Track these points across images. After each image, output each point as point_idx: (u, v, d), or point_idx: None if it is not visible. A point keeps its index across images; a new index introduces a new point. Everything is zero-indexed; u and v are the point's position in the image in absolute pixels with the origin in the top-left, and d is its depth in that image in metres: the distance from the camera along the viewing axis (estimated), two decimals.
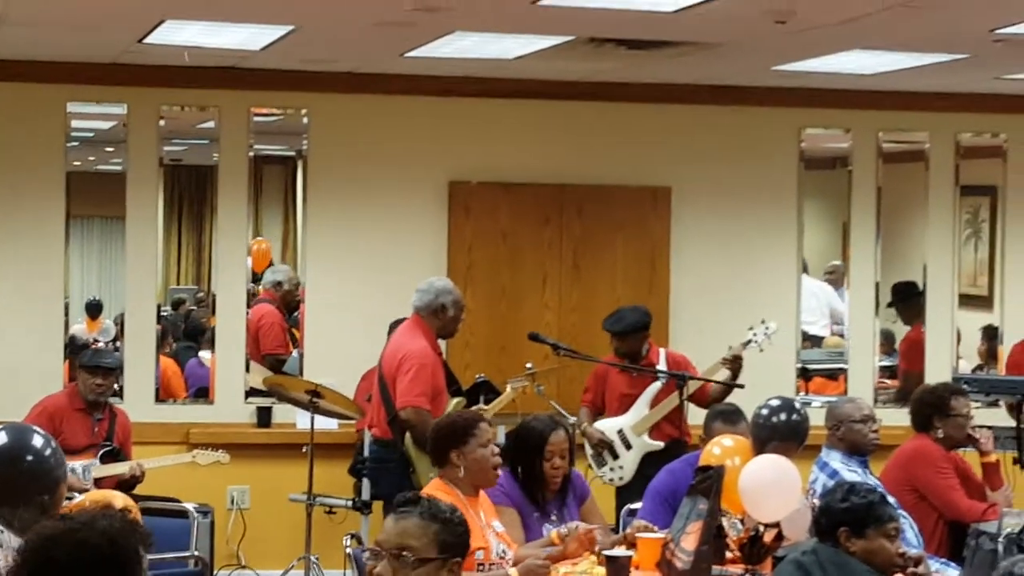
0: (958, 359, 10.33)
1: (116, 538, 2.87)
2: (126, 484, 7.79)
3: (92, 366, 8.12)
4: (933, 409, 7.26)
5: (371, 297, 9.51)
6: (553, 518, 6.31)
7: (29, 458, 4.30)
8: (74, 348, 9.25)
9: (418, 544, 3.77)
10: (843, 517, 5.27)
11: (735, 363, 8.45)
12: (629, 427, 8.54)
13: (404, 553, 3.76)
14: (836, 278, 10.39)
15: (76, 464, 7.68)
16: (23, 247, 9.29)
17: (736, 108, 9.99)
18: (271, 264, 10.03)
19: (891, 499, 6.61)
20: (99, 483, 7.70)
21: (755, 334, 8.61)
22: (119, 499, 4.37)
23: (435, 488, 5.88)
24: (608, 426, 8.60)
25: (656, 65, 8.81)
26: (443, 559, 3.80)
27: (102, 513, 2.91)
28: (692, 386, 8.31)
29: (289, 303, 9.83)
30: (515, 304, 9.68)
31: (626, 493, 8.30)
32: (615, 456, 8.56)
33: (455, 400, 8.01)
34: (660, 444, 8.46)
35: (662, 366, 8.49)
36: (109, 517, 2.90)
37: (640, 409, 8.53)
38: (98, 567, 2.79)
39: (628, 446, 8.53)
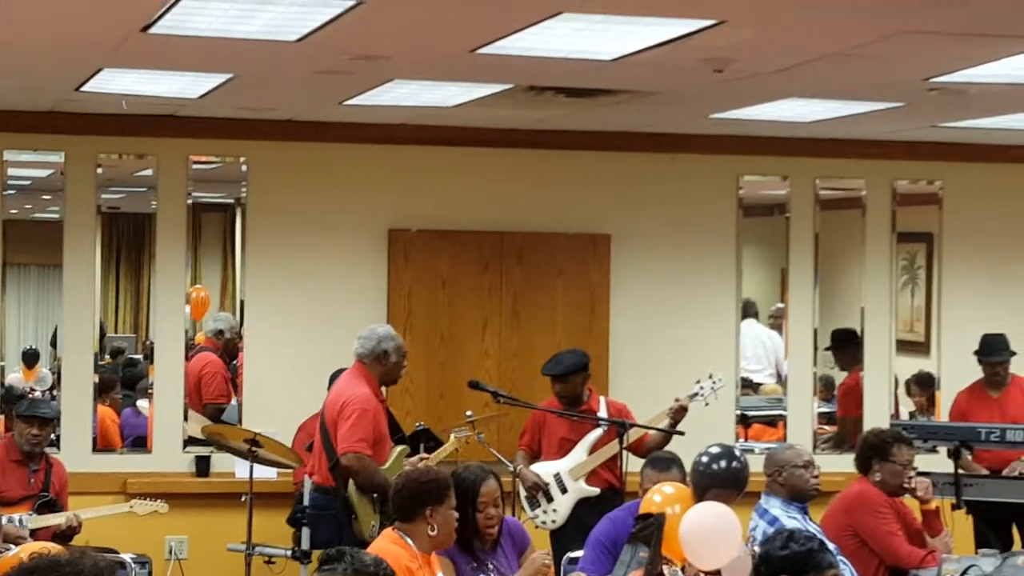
0: (898, 405, 10.40)
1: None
2: (63, 535, 7.71)
3: (29, 416, 8.04)
4: (874, 451, 7.28)
5: (310, 345, 9.48)
6: (489, 566, 6.28)
7: None
8: (10, 398, 9.16)
9: None
10: (783, 565, 5.27)
11: (679, 414, 8.44)
12: (566, 471, 8.52)
13: None
14: (781, 322, 10.44)
15: (12, 516, 7.59)
16: None
17: (675, 156, 10.04)
18: (208, 312, 9.98)
19: (831, 545, 6.64)
20: (35, 534, 7.61)
21: (702, 387, 8.60)
22: (55, 551, 4.32)
23: (387, 540, 5.83)
24: (544, 469, 8.58)
25: (595, 113, 8.85)
26: None
27: (85, 552, 2.85)
28: (633, 435, 8.31)
29: (231, 351, 9.78)
30: (455, 351, 9.67)
31: (562, 539, 8.29)
32: (549, 499, 8.54)
33: (398, 448, 7.97)
34: (596, 490, 8.46)
35: (602, 413, 8.50)
36: (94, 557, 2.84)
37: (579, 454, 8.53)
38: None
39: (564, 490, 8.52)
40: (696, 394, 8.57)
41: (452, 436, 8.37)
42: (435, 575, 5.85)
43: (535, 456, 8.71)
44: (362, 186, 9.69)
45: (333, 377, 8.50)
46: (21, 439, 7.98)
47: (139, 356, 10.51)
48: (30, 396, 9.11)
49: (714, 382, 8.64)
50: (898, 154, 10.26)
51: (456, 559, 6.19)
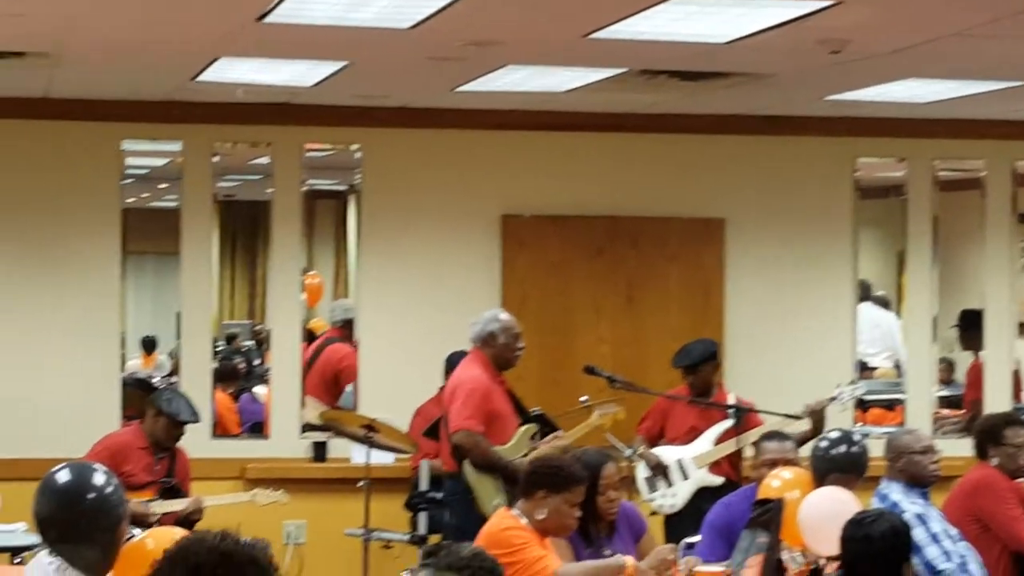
0: (1019, 387, 10.23)
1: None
2: (185, 521, 7.80)
3: (185, 422, 8.05)
4: (986, 437, 7.21)
5: (425, 331, 9.51)
6: (607, 553, 6.27)
7: (91, 496, 4.30)
8: (141, 386, 9.25)
9: None
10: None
11: (816, 415, 8.31)
12: (690, 458, 8.48)
13: None
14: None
15: (137, 501, 7.68)
16: (80, 283, 9.34)
17: (789, 138, 9.96)
18: (326, 300, 10.03)
19: (953, 530, 6.58)
20: (159, 520, 7.70)
21: (842, 392, 8.49)
22: (179, 535, 4.36)
23: (498, 516, 5.86)
24: (667, 454, 8.55)
25: (709, 96, 8.80)
26: None
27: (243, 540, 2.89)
28: (762, 431, 8.22)
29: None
30: (569, 337, 9.66)
31: (676, 525, 8.25)
32: (669, 484, 8.51)
33: (524, 428, 8.00)
34: (719, 479, 8.40)
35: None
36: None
37: (704, 443, 8.48)
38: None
39: (685, 476, 8.48)
40: (835, 398, 8.45)
41: (596, 413, 8.31)
42: (549, 552, 5.85)
43: (653, 443, 8.67)
44: (475, 172, 9.70)
45: (449, 359, 8.56)
46: (163, 435, 8.00)
47: (250, 342, 10.62)
48: (166, 388, 9.09)
49: (855, 387, 8.58)
50: (1019, 134, 10.07)
51: (574, 543, 6.20)
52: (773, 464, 6.61)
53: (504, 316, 8.12)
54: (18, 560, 7.33)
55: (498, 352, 8.03)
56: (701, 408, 8.49)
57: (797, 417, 8.26)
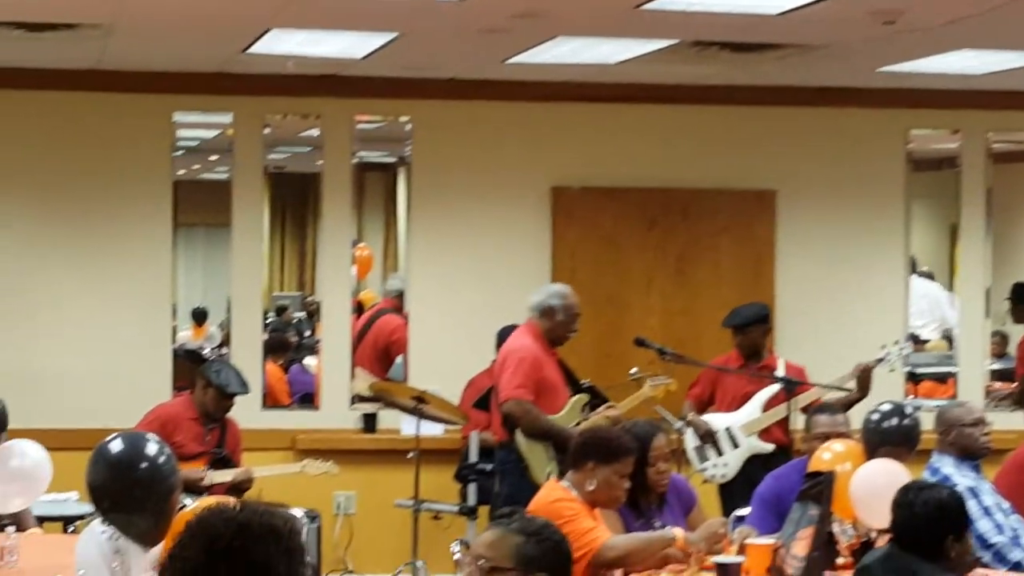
0: None
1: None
2: (235, 491, 7.84)
3: (234, 394, 8.10)
4: None
5: (475, 303, 9.52)
6: (656, 525, 6.26)
7: (144, 465, 4.34)
8: (192, 357, 9.29)
9: (495, 554, 3.81)
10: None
11: (863, 375, 8.29)
12: (739, 426, 8.46)
13: (481, 561, 3.81)
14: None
15: (190, 469, 7.73)
16: (131, 255, 9.39)
17: (842, 110, 9.90)
18: (375, 271, 10.05)
19: (1005, 504, 6.54)
20: (210, 490, 7.75)
21: (889, 353, 8.45)
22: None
23: (548, 487, 5.87)
24: (716, 421, 8.53)
25: (760, 68, 8.75)
26: (520, 571, 3.80)
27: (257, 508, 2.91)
28: (810, 396, 8.20)
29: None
30: (620, 309, 9.64)
31: (729, 495, 8.24)
32: (719, 452, 8.49)
33: (575, 397, 8.00)
34: (770, 446, 8.38)
35: (780, 373, 8.41)
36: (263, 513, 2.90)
37: (752, 409, 8.46)
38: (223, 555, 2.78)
39: (735, 444, 8.47)
40: (882, 359, 8.42)
41: (648, 384, 8.30)
42: (599, 523, 5.85)
43: (703, 410, 8.66)
44: (525, 144, 9.69)
45: (500, 334, 8.55)
46: (212, 407, 8.05)
47: (301, 314, 10.64)
48: (215, 359, 9.12)
49: (901, 347, 8.54)
50: None
51: (624, 515, 6.19)
52: (825, 438, 6.58)
53: (567, 293, 8.10)
54: (71, 529, 7.40)
55: (553, 327, 8.02)
56: (751, 375, 8.48)
57: (847, 390, 8.24)
